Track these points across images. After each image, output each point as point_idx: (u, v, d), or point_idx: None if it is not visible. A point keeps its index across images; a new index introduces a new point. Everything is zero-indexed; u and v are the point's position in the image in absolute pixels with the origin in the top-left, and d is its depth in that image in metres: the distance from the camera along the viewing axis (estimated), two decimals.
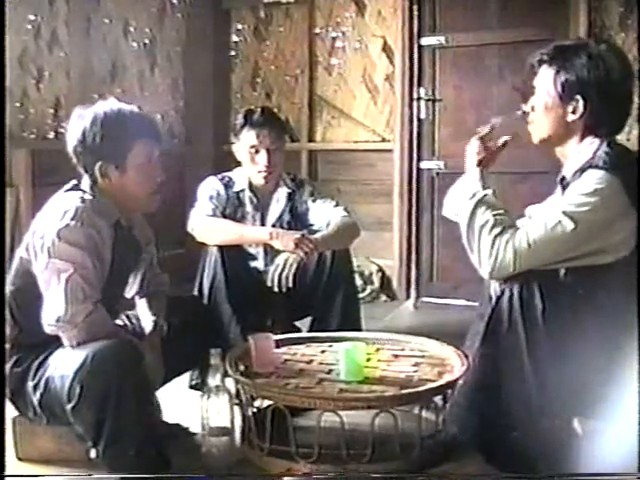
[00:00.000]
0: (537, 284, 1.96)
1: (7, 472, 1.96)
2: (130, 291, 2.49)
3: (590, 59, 2.03)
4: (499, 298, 2.01)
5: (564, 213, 1.95)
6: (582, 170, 2.01)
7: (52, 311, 2.06)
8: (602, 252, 1.96)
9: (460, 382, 2.19)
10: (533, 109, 2.15)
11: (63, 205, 2.16)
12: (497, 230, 2.01)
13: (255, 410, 2.35)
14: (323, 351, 2.60)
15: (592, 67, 2.02)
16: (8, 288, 2.20)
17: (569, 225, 1.94)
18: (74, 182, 2.27)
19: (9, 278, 2.21)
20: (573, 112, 2.06)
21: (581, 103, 2.04)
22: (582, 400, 1.92)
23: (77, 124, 2.21)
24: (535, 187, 4.09)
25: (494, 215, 2.03)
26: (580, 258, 1.96)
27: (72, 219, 2.10)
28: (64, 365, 2.04)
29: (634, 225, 1.95)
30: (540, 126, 2.14)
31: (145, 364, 2.07)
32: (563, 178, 2.13)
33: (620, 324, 1.92)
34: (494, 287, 2.12)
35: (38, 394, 2.13)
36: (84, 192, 2.22)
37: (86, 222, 2.12)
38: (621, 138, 4.07)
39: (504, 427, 2.01)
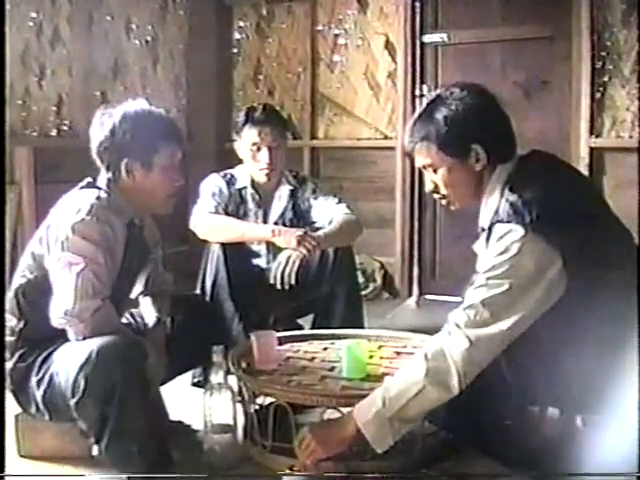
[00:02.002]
0: None
1: (8, 469, 1.97)
2: (135, 291, 2.49)
3: (451, 107, 1.99)
4: None
5: (489, 279, 1.88)
6: (491, 225, 1.95)
7: (61, 304, 2.07)
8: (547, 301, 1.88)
9: None
10: (437, 187, 2.10)
11: (79, 201, 2.17)
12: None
13: (257, 407, 2.36)
14: (325, 348, 2.60)
15: (460, 113, 1.98)
16: (17, 282, 2.21)
17: (502, 287, 1.86)
18: (89, 180, 2.28)
19: (17, 272, 2.22)
20: (477, 160, 2.00)
21: (480, 148, 1.99)
22: (575, 393, 1.92)
23: (105, 121, 2.23)
24: None
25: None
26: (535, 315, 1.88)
27: (88, 214, 2.12)
28: (69, 360, 2.05)
29: (559, 271, 1.85)
30: (456, 194, 2.08)
31: (149, 361, 2.07)
32: (482, 228, 2.08)
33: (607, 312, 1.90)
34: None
35: (42, 389, 2.13)
36: (100, 189, 2.24)
37: (101, 218, 2.14)
38: (623, 135, 4.09)
39: (484, 415, 2.01)
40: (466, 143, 1.99)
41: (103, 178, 2.27)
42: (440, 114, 2.00)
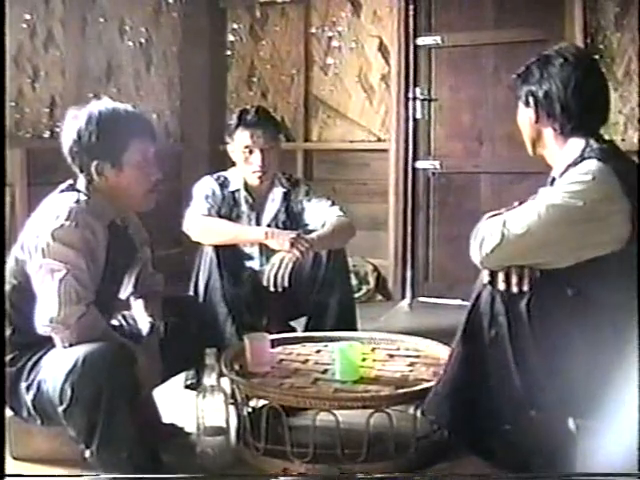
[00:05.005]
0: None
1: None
2: (124, 292, 2.48)
3: (539, 65, 2.12)
4: (481, 290, 2.01)
5: (559, 198, 1.94)
6: (574, 164, 2.02)
7: (45, 312, 2.05)
8: (596, 244, 1.93)
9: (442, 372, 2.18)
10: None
11: (58, 206, 2.15)
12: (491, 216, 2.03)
13: (250, 410, 2.36)
14: (318, 351, 2.60)
15: (542, 71, 2.10)
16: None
17: (564, 209, 1.92)
18: (69, 182, 2.27)
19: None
20: (533, 112, 2.13)
21: (532, 101, 2.11)
22: (572, 397, 1.93)
23: (72, 124, 2.21)
24: (531, 187, 4.07)
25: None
26: (573, 251, 1.94)
27: (67, 220, 2.10)
28: (55, 367, 2.03)
29: (627, 216, 1.92)
30: (525, 137, 2.21)
31: (138, 366, 2.06)
32: (553, 179, 2.14)
33: (607, 316, 1.91)
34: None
35: (31, 395, 2.12)
36: (79, 192, 2.21)
37: (81, 223, 2.11)
38: (615, 138, 4.10)
39: (487, 418, 2.02)
40: (527, 92, 2.13)
41: (82, 180, 2.25)
42: (532, 71, 2.14)
